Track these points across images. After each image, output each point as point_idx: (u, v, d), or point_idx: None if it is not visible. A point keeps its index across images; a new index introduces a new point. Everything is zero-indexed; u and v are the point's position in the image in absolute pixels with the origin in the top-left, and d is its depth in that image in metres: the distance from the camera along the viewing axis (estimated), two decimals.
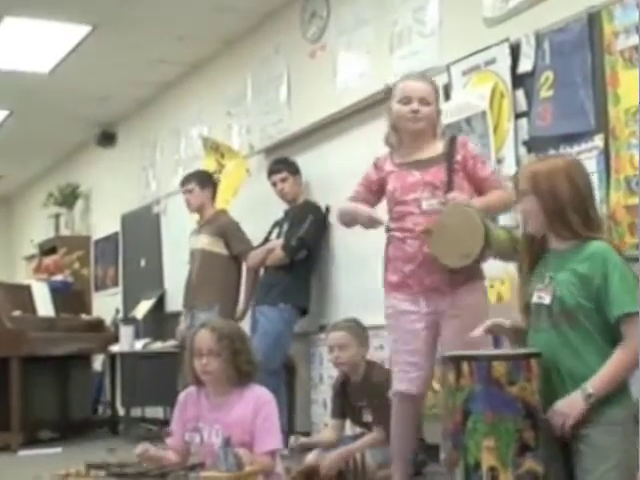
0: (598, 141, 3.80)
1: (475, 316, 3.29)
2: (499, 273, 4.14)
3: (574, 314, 2.48)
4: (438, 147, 3.53)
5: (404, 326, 3.44)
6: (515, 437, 2.34)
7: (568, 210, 2.52)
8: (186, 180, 6.04)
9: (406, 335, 3.44)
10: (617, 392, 2.44)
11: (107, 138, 8.98)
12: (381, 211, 3.63)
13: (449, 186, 3.40)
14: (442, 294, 3.39)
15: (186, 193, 5.97)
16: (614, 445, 2.40)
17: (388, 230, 3.52)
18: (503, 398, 2.35)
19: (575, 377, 2.45)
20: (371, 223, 3.52)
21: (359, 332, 4.18)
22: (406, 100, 3.49)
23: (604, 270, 2.45)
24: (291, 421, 5.59)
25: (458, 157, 3.47)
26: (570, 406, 2.42)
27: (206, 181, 6.04)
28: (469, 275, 3.39)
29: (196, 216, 6.21)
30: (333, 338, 4.35)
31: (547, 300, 2.53)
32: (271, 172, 5.68)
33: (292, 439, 4.42)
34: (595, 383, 2.41)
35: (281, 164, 5.66)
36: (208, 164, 6.57)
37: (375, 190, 3.61)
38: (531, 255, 2.66)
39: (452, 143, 3.52)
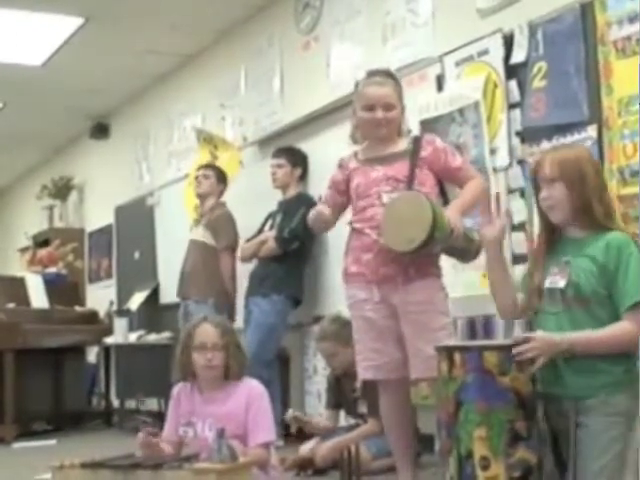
0: (591, 131, 3.80)
1: (429, 313, 3.32)
2: None
3: (588, 300, 2.50)
4: (402, 144, 3.54)
5: (363, 314, 3.46)
6: (507, 427, 2.35)
7: (594, 200, 2.54)
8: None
9: (366, 323, 3.45)
10: (621, 382, 2.44)
11: (100, 130, 8.96)
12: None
13: (410, 180, 3.41)
14: (394, 285, 3.39)
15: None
16: (616, 436, 2.41)
17: (350, 223, 3.54)
18: (495, 388, 2.37)
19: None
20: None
21: (343, 334, 4.21)
22: (369, 107, 3.49)
23: (618, 259, 2.46)
24: (285, 412, 5.58)
25: (424, 153, 3.48)
26: (548, 345, 2.43)
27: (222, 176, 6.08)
28: (423, 271, 3.39)
29: (190, 208, 6.23)
30: (321, 349, 4.57)
31: (561, 284, 2.54)
32: (272, 155, 5.70)
33: (289, 412, 4.47)
34: (580, 341, 2.44)
35: (283, 151, 5.67)
36: (202, 156, 6.57)
37: (343, 190, 3.62)
38: (548, 244, 2.66)
39: (417, 140, 3.53)
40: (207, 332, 3.29)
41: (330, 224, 3.65)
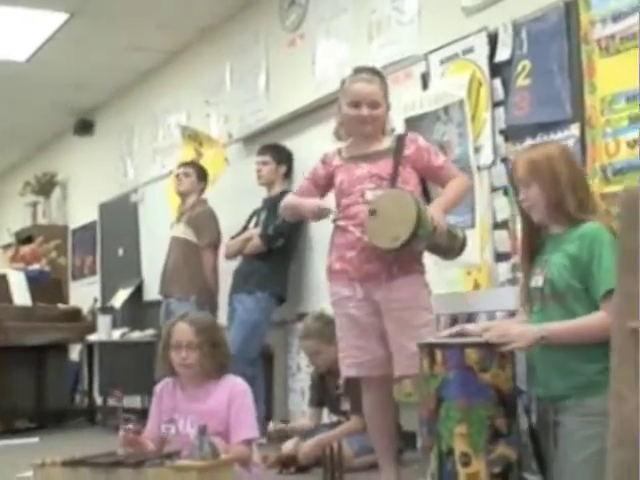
0: (574, 130, 3.81)
1: (412, 309, 3.33)
2: (476, 261, 4.15)
3: (563, 295, 2.51)
4: (386, 142, 3.55)
5: (346, 312, 3.47)
6: (487, 423, 2.36)
7: (567, 195, 2.55)
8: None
9: (349, 321, 3.46)
10: (596, 384, 2.43)
11: (85, 126, 8.92)
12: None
13: (394, 178, 3.41)
14: (378, 283, 3.39)
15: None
16: (592, 435, 2.40)
17: (334, 220, 3.54)
18: (476, 385, 2.37)
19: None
20: (320, 212, 3.53)
21: (327, 332, 4.21)
22: (355, 104, 3.49)
23: (591, 249, 2.46)
24: (269, 409, 5.59)
25: (407, 152, 3.49)
26: (523, 335, 2.44)
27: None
28: (406, 268, 3.40)
29: (174, 205, 6.21)
30: (304, 347, 4.59)
31: (540, 283, 2.57)
32: (257, 153, 5.69)
33: (270, 424, 4.46)
34: (554, 329, 2.45)
35: (269, 148, 5.67)
36: (186, 153, 6.55)
37: (321, 185, 3.63)
38: (533, 244, 2.69)
39: (401, 139, 3.54)
40: (182, 331, 3.27)
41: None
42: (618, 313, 1.59)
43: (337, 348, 3.57)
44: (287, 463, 4.24)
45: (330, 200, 3.65)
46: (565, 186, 2.56)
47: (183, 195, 6.05)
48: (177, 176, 6.06)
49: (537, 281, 2.59)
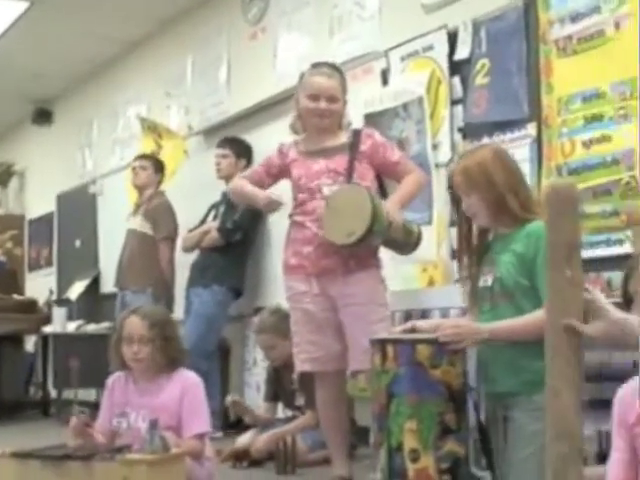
0: (531, 129, 3.84)
1: (368, 305, 3.34)
2: (432, 258, 4.17)
3: (512, 293, 2.53)
4: (342, 137, 3.55)
5: (302, 307, 3.47)
6: (437, 420, 2.37)
7: (507, 196, 2.58)
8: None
9: (304, 316, 3.46)
10: (544, 381, 2.46)
11: (43, 116, 8.81)
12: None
13: (350, 173, 3.42)
14: (334, 277, 3.41)
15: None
16: (540, 430, 2.42)
17: (291, 215, 3.53)
18: (426, 381, 2.38)
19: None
20: (271, 204, 3.52)
21: (282, 327, 4.21)
22: (314, 97, 3.49)
23: (537, 247, 2.48)
24: (224, 403, 5.56)
25: (363, 147, 3.50)
26: (472, 331, 2.46)
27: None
28: (362, 263, 3.41)
29: (134, 197, 6.17)
30: (259, 341, 4.60)
31: (489, 282, 2.59)
32: (216, 146, 5.67)
33: (228, 397, 4.47)
34: (501, 328, 2.48)
35: (228, 142, 5.64)
36: (146, 145, 6.51)
37: (274, 174, 3.64)
38: (479, 248, 2.71)
39: (357, 134, 3.55)
40: (134, 324, 3.24)
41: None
42: (550, 309, 1.61)
43: (292, 343, 3.56)
44: (241, 457, 4.23)
45: (280, 190, 3.65)
46: (503, 188, 2.58)
47: (140, 188, 6.02)
48: (134, 169, 6.02)
49: (486, 281, 2.61)
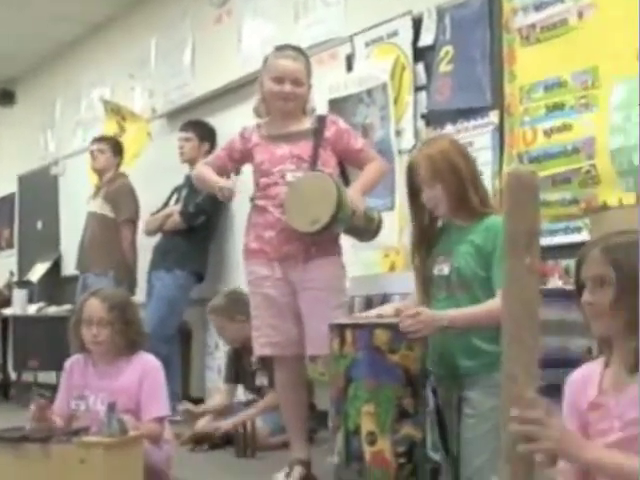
0: (493, 117, 3.87)
1: (327, 290, 3.35)
2: (394, 243, 4.19)
3: (470, 283, 2.57)
4: (306, 122, 3.53)
5: (263, 291, 3.47)
6: (394, 403, 2.38)
7: (469, 191, 2.62)
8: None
9: (265, 300, 3.46)
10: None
11: (6, 96, 8.71)
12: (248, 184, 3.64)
13: (314, 160, 3.42)
14: (295, 263, 3.40)
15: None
16: (494, 407, 2.46)
17: (252, 199, 3.52)
18: (384, 365, 2.39)
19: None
20: (220, 192, 3.52)
21: (231, 309, 4.30)
22: (279, 80, 3.47)
23: (495, 241, 2.52)
24: (185, 387, 5.57)
25: (327, 134, 3.48)
26: (432, 320, 2.48)
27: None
28: (324, 249, 3.41)
29: (94, 179, 6.12)
30: (213, 321, 4.61)
31: (446, 271, 2.62)
32: (180, 129, 5.64)
33: (180, 406, 4.43)
34: (455, 317, 2.51)
35: (191, 125, 5.61)
36: (109, 127, 6.45)
37: (236, 158, 3.61)
38: (432, 233, 2.74)
39: (322, 120, 3.53)
40: (94, 307, 3.22)
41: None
42: (507, 296, 1.62)
43: (243, 325, 3.56)
44: (200, 440, 4.24)
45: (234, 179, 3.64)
46: (465, 179, 2.62)
47: (99, 172, 5.96)
48: (92, 153, 5.97)
49: (442, 270, 2.64)
